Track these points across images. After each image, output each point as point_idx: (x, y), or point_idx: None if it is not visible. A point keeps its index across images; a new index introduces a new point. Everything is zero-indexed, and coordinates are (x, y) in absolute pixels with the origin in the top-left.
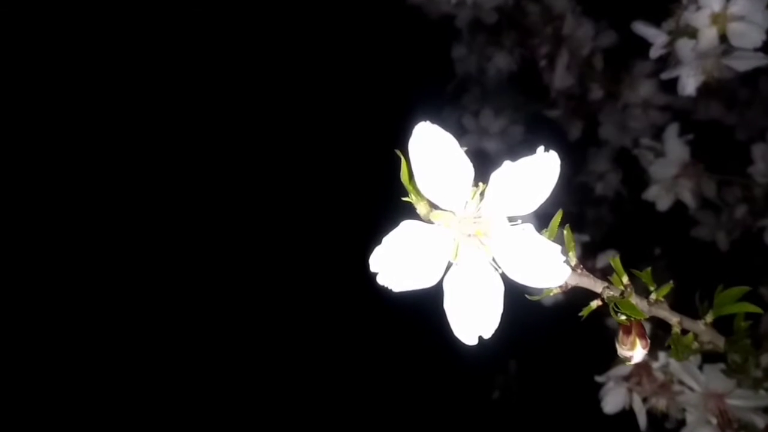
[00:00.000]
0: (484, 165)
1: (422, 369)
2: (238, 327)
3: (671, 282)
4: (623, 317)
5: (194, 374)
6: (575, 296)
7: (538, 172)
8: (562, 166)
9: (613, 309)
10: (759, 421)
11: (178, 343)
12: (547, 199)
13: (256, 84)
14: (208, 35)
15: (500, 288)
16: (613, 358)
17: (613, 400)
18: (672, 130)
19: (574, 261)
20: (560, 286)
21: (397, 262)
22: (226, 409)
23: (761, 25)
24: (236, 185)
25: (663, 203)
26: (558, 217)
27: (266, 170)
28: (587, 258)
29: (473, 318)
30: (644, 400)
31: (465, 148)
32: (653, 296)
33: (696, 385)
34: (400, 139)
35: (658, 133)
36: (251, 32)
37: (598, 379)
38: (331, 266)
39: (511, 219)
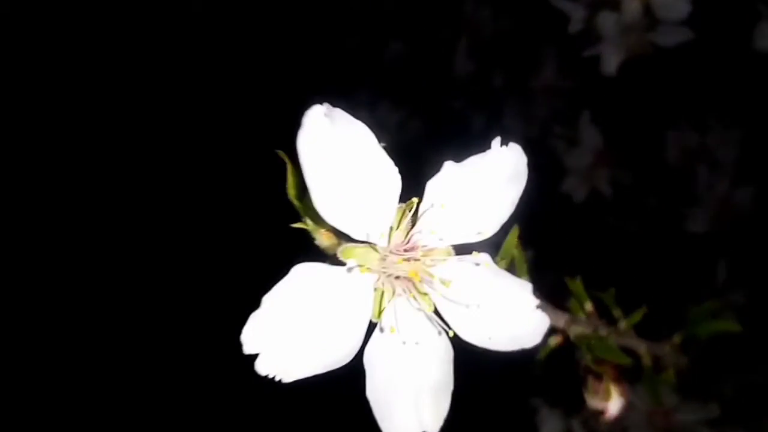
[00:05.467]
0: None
1: None
2: None
3: (644, 307)
4: (589, 357)
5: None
6: None
7: (496, 175)
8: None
9: (587, 349)
10: None
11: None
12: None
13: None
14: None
15: (449, 357)
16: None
17: (550, 427)
18: (585, 117)
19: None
20: None
21: (288, 336)
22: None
23: None
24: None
25: (579, 194)
26: (514, 235)
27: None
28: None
29: (411, 408)
30: (584, 423)
31: (383, 144)
32: (623, 324)
33: (641, 403)
34: (285, 139)
35: (564, 122)
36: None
37: (533, 402)
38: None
39: (457, 249)
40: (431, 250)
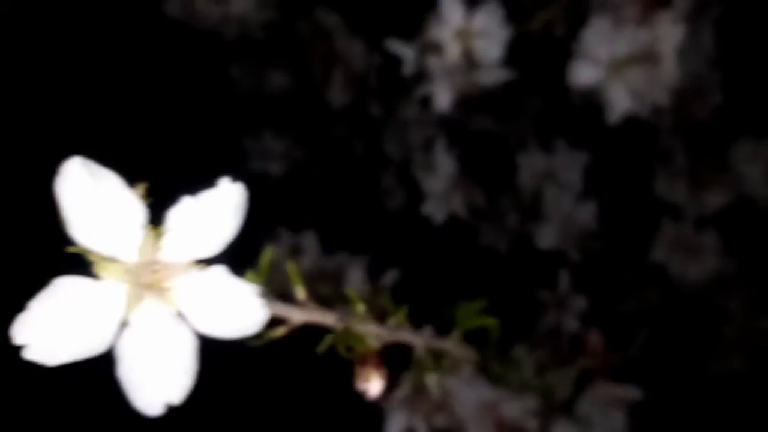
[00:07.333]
0: None
1: None
2: None
3: (406, 305)
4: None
5: None
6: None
7: (221, 207)
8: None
9: (339, 340)
10: (532, 424)
11: None
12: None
13: None
14: None
15: (191, 343)
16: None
17: (396, 424)
18: (440, 145)
19: (302, 295)
20: (287, 325)
21: (51, 330)
22: None
23: (500, 40)
24: None
25: (438, 215)
26: (268, 254)
27: None
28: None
29: (157, 384)
30: (427, 419)
31: (141, 186)
32: (393, 321)
33: (467, 400)
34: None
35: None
36: None
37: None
38: None
39: (200, 263)
40: (172, 263)
